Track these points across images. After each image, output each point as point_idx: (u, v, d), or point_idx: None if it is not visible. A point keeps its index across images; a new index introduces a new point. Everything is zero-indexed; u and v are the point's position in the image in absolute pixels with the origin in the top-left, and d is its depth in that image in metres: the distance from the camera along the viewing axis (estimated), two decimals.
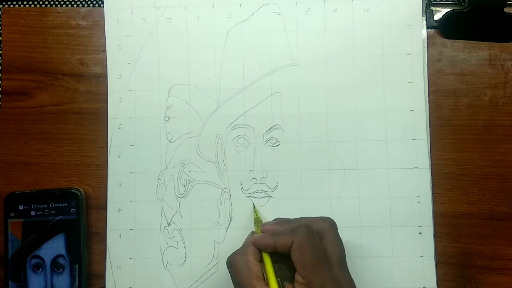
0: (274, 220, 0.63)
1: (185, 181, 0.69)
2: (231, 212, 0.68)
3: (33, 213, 0.68)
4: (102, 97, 0.71)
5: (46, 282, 0.68)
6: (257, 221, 0.64)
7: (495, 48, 0.69)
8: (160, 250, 0.69)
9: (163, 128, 0.70)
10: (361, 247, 0.67)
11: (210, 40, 0.70)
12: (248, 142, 0.69)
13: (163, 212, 0.69)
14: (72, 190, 0.69)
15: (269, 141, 0.68)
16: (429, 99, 0.68)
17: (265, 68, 0.69)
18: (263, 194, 0.68)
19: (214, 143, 0.69)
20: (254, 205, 0.68)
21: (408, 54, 0.68)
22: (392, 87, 0.68)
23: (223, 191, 0.69)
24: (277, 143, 0.68)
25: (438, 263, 0.66)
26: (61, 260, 0.68)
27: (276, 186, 0.68)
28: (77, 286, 0.68)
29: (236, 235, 0.68)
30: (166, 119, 0.70)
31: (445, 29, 0.69)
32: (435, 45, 0.69)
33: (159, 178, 0.69)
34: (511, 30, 0.69)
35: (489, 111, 0.68)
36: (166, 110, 0.70)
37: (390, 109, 0.68)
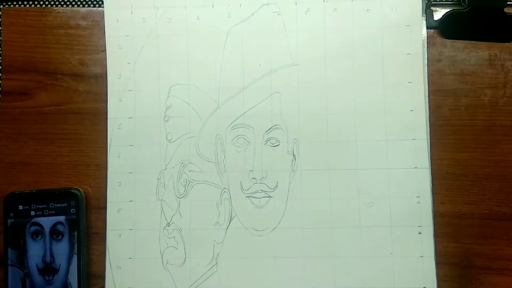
0: None
1: (184, 181, 0.69)
2: (231, 212, 0.68)
3: (32, 213, 0.68)
4: (102, 97, 0.71)
5: (45, 249, 0.68)
6: None
7: (495, 48, 0.69)
8: (160, 250, 0.68)
9: (163, 128, 0.69)
10: (361, 247, 0.67)
11: (210, 40, 0.70)
12: (248, 142, 0.69)
13: (162, 212, 0.69)
14: (71, 190, 0.69)
15: (269, 141, 0.68)
16: (429, 99, 0.68)
17: (265, 68, 0.69)
18: (263, 194, 0.68)
19: (214, 143, 0.69)
20: None
21: (408, 54, 0.68)
22: (392, 87, 0.68)
23: (223, 191, 0.69)
24: (277, 143, 0.68)
25: (438, 264, 0.66)
26: (60, 227, 0.68)
27: (276, 186, 0.68)
28: (76, 252, 0.68)
29: (236, 235, 0.68)
30: (166, 119, 0.70)
31: (445, 29, 0.69)
32: (435, 45, 0.69)
33: (158, 178, 0.69)
34: (511, 30, 0.69)
35: (489, 111, 0.68)
36: (166, 110, 0.70)
37: (390, 109, 0.68)
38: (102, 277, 0.69)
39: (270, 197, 0.68)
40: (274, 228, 0.68)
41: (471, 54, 0.69)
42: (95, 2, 0.73)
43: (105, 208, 0.69)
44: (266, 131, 0.68)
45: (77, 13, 0.72)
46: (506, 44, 0.69)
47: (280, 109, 0.69)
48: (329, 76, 0.69)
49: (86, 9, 0.72)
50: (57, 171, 0.71)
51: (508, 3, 0.68)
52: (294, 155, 0.68)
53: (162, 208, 0.69)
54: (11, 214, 0.68)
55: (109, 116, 0.70)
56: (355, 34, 0.69)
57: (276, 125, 0.68)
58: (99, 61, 0.71)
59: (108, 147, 0.70)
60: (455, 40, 0.69)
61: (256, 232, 0.68)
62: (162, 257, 0.68)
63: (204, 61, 0.70)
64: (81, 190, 0.69)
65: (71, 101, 0.71)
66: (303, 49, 0.69)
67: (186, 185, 0.69)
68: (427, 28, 0.69)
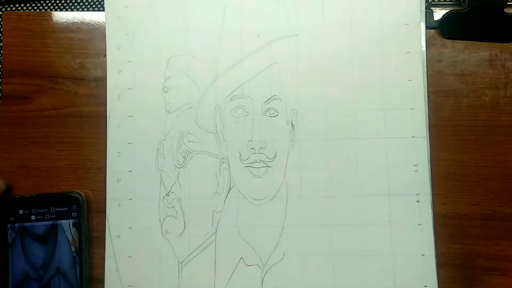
0: None
1: (184, 151, 0.69)
2: (230, 182, 0.68)
3: (33, 217, 0.68)
4: (102, 101, 0.71)
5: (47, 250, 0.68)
6: None
7: (496, 48, 0.69)
8: (159, 220, 0.69)
9: (162, 99, 0.70)
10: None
11: (208, 11, 0.70)
12: (247, 112, 0.69)
13: (162, 182, 0.69)
14: (72, 194, 0.69)
15: (267, 112, 0.69)
16: (429, 100, 0.68)
17: (263, 39, 0.70)
18: (262, 164, 0.68)
19: (212, 113, 0.69)
20: None
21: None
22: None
23: (222, 161, 0.69)
24: (276, 114, 0.68)
25: (441, 265, 0.66)
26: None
27: (275, 156, 0.68)
28: (77, 256, 0.68)
29: (234, 205, 0.68)
30: (165, 90, 0.70)
31: (445, 30, 0.69)
32: (435, 45, 0.69)
33: (158, 149, 0.69)
34: (511, 30, 0.69)
35: (490, 111, 0.68)
36: (165, 81, 0.70)
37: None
38: (103, 281, 0.69)
39: (269, 167, 0.68)
40: (273, 197, 0.68)
41: (472, 54, 0.69)
42: (95, 6, 0.73)
43: (105, 211, 0.69)
44: (265, 102, 0.69)
45: (77, 17, 0.72)
46: (507, 44, 0.69)
47: (278, 80, 0.69)
48: (327, 47, 0.69)
49: (86, 13, 0.73)
50: (57, 174, 0.71)
51: (508, 3, 0.68)
52: (292, 125, 0.68)
53: (161, 178, 0.69)
54: (12, 219, 0.68)
55: (108, 86, 0.70)
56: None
57: (274, 95, 0.69)
58: (99, 64, 0.72)
59: (107, 118, 0.70)
60: (455, 41, 0.69)
61: (255, 201, 0.68)
62: (161, 226, 0.68)
63: (203, 32, 0.70)
64: (82, 193, 0.69)
65: (72, 105, 0.71)
66: (302, 20, 0.69)
67: (185, 155, 0.69)
68: (427, 28, 0.69)
